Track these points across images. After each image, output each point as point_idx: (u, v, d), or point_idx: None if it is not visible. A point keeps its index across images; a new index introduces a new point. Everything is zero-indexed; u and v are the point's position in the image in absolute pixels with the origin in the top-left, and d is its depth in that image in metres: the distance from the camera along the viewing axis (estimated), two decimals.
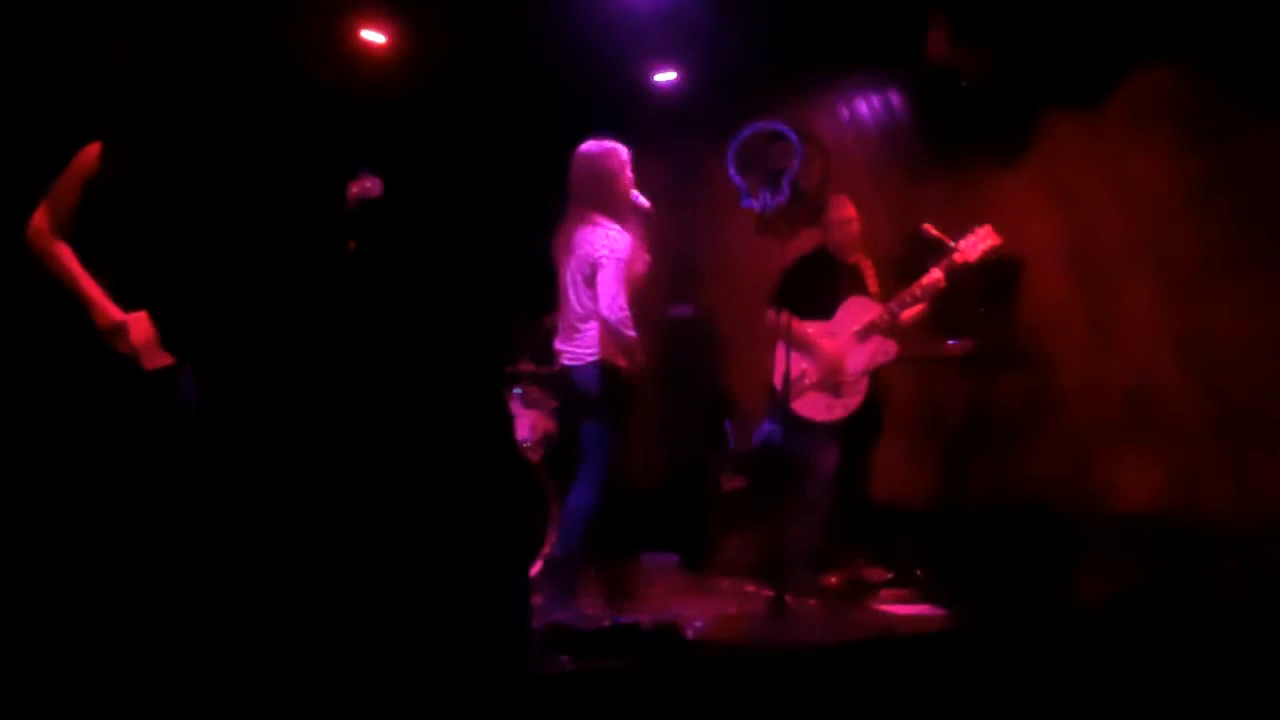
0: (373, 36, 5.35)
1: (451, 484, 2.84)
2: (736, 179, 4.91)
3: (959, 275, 4.60)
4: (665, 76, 5.98)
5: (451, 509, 2.81)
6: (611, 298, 3.95)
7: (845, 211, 4.83)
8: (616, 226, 4.05)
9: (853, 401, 4.67)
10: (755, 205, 4.81)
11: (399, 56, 5.40)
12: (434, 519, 2.77)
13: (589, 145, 4.14)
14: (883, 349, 4.69)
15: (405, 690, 2.56)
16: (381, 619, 2.62)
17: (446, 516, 2.79)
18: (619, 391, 4.07)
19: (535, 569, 4.54)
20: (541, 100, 5.69)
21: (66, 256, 3.19)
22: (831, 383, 4.70)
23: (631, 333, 4.02)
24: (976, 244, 4.57)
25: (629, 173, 4.13)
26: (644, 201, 4.16)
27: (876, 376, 4.72)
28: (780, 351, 4.58)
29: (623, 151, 4.15)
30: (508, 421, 4.30)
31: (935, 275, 4.58)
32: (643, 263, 4.18)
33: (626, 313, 3.98)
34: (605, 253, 3.99)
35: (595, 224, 4.05)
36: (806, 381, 4.68)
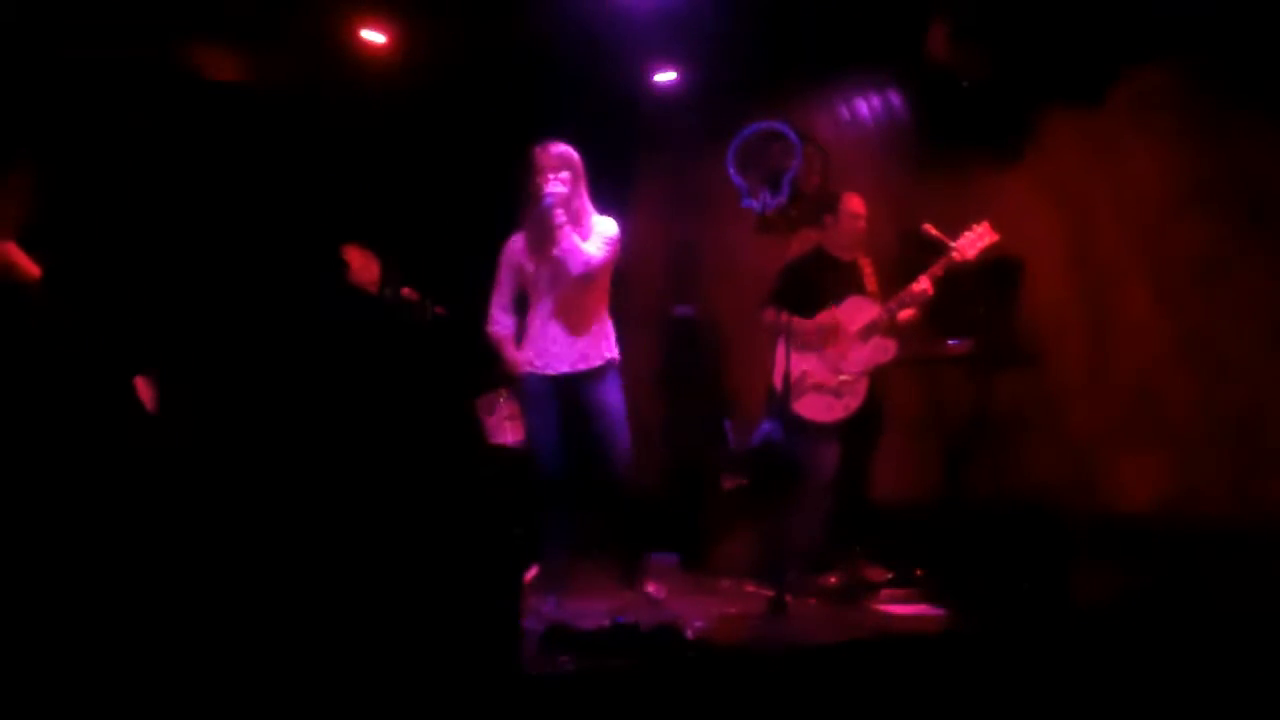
0: (373, 36, 5.35)
1: (441, 484, 2.84)
2: (736, 179, 4.91)
3: (957, 272, 4.60)
4: (665, 76, 5.98)
5: (442, 508, 2.80)
6: None
7: (856, 207, 4.83)
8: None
9: (853, 403, 4.67)
10: (755, 205, 4.80)
11: (399, 56, 5.41)
12: (424, 518, 2.77)
13: None
14: (882, 348, 4.69)
15: (399, 691, 2.56)
16: (373, 621, 2.61)
17: (436, 516, 2.79)
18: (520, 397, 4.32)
19: (535, 569, 4.53)
20: (541, 100, 5.69)
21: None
22: (832, 384, 4.70)
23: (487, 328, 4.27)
24: (975, 241, 4.57)
25: (533, 173, 4.11)
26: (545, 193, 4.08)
27: (878, 378, 4.72)
28: (780, 351, 4.58)
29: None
30: (476, 423, 4.35)
31: (923, 284, 4.57)
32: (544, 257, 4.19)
33: (488, 322, 4.27)
34: None
35: None
36: (807, 382, 4.68)
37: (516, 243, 4.26)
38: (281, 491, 2.65)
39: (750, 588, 4.72)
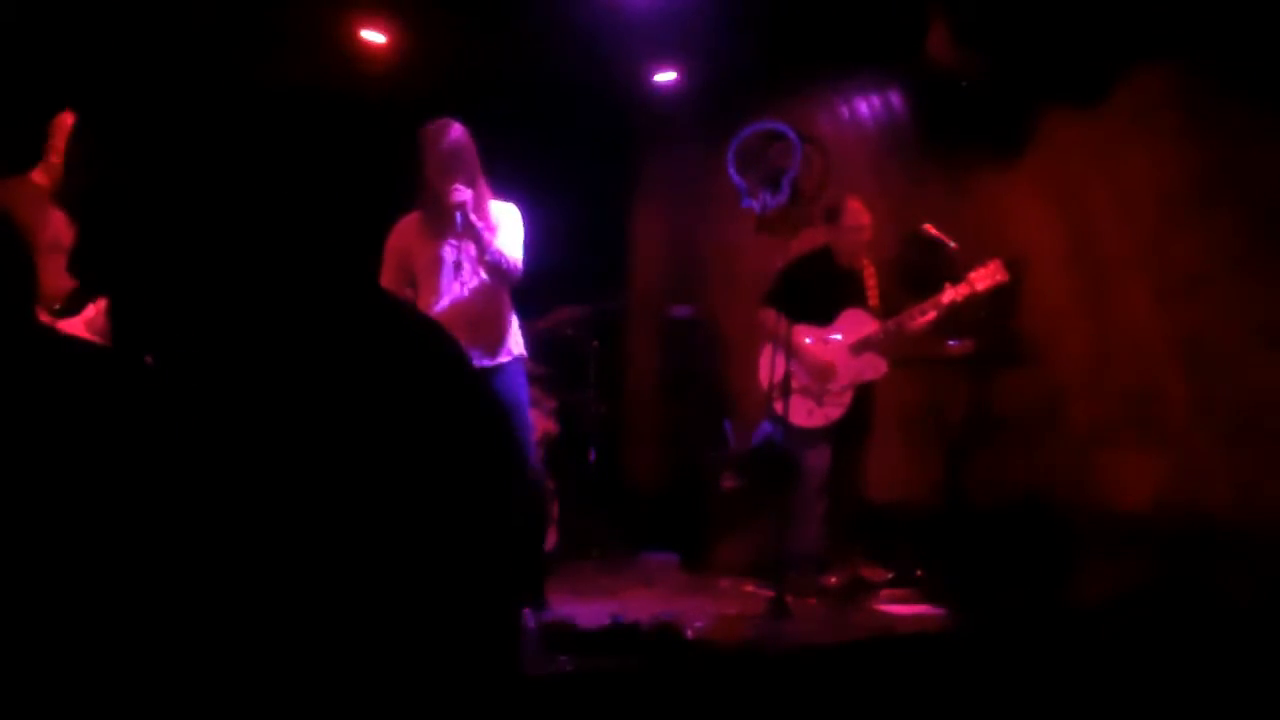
0: (373, 36, 5.35)
1: (444, 482, 2.83)
2: (736, 179, 4.90)
3: (963, 305, 4.60)
4: (665, 76, 5.98)
5: (444, 507, 2.80)
6: None
7: (860, 218, 4.81)
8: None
9: (833, 413, 4.68)
10: (755, 205, 4.79)
11: (399, 56, 5.41)
12: (426, 516, 2.76)
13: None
14: (872, 365, 4.69)
15: (399, 690, 2.56)
16: (373, 619, 2.61)
17: (439, 514, 2.78)
18: None
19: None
20: (541, 100, 5.70)
21: None
22: (815, 390, 4.69)
23: None
24: (985, 278, 4.55)
25: (426, 164, 3.81)
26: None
27: (864, 387, 4.73)
28: (768, 351, 4.58)
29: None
30: (503, 419, 4.25)
31: (930, 313, 4.57)
32: None
33: None
34: None
35: None
36: (792, 385, 4.65)
37: (408, 228, 3.92)
38: (282, 488, 2.64)
39: (750, 588, 4.72)
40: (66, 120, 3.57)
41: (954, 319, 4.68)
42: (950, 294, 4.55)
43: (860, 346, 4.69)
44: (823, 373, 4.69)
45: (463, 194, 3.73)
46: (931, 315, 4.57)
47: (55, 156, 3.54)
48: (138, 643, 2.42)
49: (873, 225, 4.86)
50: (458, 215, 3.73)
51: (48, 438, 2.72)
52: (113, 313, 3.38)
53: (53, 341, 3.07)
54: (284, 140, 4.90)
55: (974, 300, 4.56)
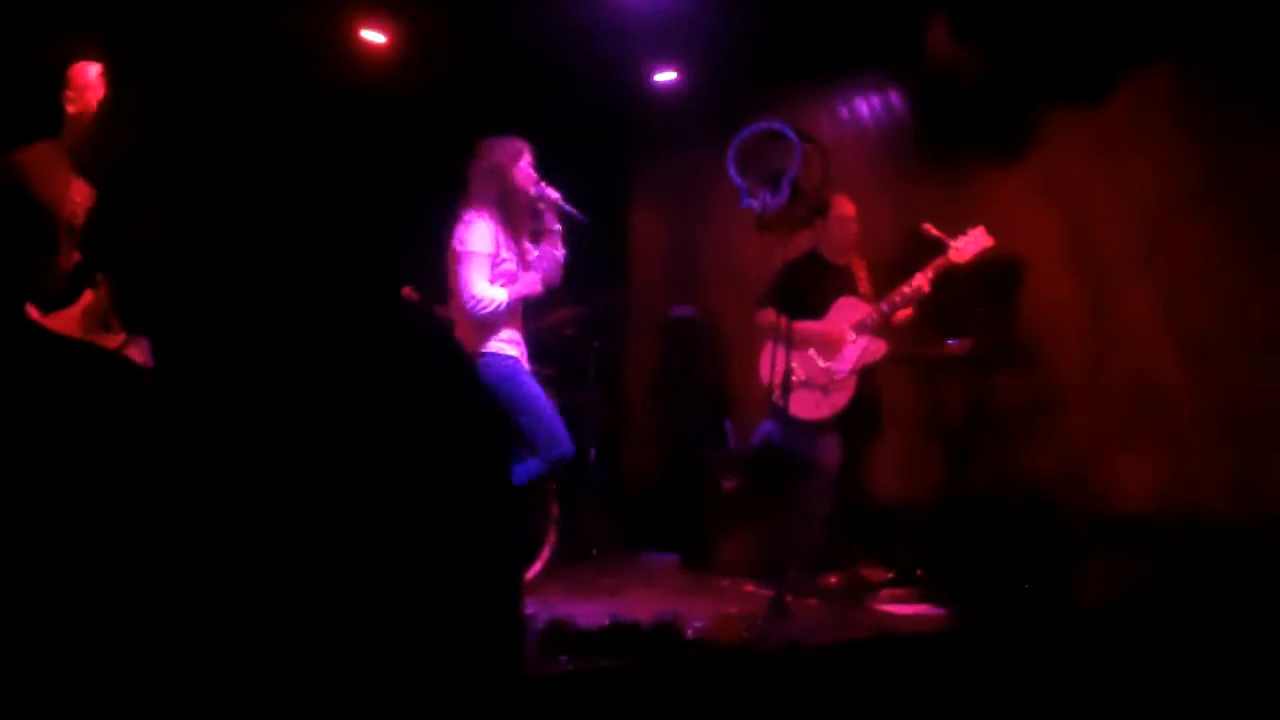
0: (373, 36, 5.35)
1: (444, 480, 2.84)
2: (736, 179, 4.90)
3: (952, 275, 4.61)
4: (665, 76, 5.98)
5: (445, 505, 2.80)
6: (467, 292, 4.02)
7: (846, 210, 4.84)
8: (475, 217, 4.08)
9: (840, 399, 4.68)
10: (755, 205, 4.79)
11: (399, 56, 5.41)
12: (426, 514, 2.77)
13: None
14: (871, 348, 4.70)
15: (399, 691, 2.56)
16: (372, 619, 2.61)
17: (439, 513, 2.79)
18: (503, 382, 4.11)
19: (536, 568, 4.54)
20: (542, 100, 5.69)
21: None
22: (821, 382, 4.70)
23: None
24: (969, 245, 4.57)
25: (529, 169, 4.18)
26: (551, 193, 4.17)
27: (868, 375, 4.73)
28: (769, 350, 4.59)
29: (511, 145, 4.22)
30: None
31: (918, 282, 4.59)
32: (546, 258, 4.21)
33: (484, 302, 4.02)
34: (458, 245, 4.08)
35: (457, 218, 4.13)
36: (795, 380, 4.65)
37: (499, 233, 4.15)
38: (283, 488, 2.64)
39: (750, 588, 4.72)
40: (80, 69, 3.57)
41: (947, 307, 4.68)
42: (933, 268, 4.57)
43: (856, 330, 4.71)
44: (824, 361, 4.70)
45: (554, 189, 4.11)
46: (922, 284, 4.58)
47: (71, 106, 3.54)
48: (135, 642, 2.41)
49: (870, 223, 4.87)
50: (564, 207, 4.13)
51: (37, 437, 2.71)
52: (115, 291, 3.36)
53: (43, 341, 3.07)
54: (283, 139, 4.90)
55: (962, 268, 4.56)
